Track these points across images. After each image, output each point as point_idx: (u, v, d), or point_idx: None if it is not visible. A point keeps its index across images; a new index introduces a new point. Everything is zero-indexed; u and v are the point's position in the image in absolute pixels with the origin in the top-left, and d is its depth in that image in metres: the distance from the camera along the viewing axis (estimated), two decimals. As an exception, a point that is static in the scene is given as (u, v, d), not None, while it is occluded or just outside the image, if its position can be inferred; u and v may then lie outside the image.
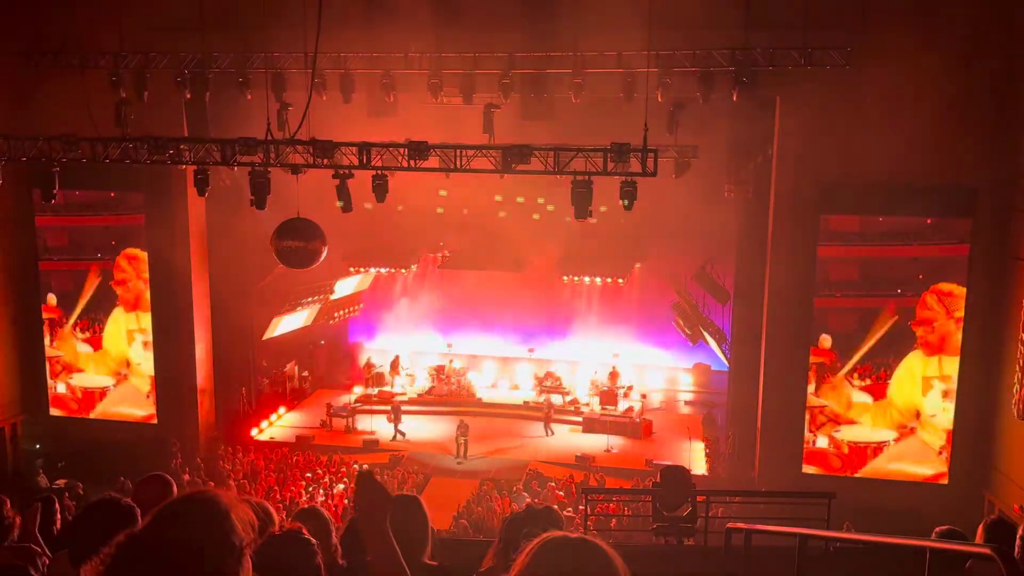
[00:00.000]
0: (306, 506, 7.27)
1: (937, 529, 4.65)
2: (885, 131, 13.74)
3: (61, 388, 17.90)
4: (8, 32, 15.68)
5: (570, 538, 1.79)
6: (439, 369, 22.83)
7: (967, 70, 13.16)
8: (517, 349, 23.18)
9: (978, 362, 14.13)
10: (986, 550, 3.47)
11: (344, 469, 17.13)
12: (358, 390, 21.97)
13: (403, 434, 19.64)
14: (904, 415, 14.76)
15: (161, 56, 15.01)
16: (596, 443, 19.31)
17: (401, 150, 13.10)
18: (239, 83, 15.07)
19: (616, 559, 1.75)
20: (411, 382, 22.82)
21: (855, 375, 14.93)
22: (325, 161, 12.89)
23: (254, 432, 19.24)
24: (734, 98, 13.97)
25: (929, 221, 14.15)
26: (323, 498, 15.36)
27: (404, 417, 20.13)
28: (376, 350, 24.11)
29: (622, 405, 20.82)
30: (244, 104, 15.12)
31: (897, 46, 13.34)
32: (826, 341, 14.92)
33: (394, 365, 23.04)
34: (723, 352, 19.51)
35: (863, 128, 13.92)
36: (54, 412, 17.93)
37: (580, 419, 20.38)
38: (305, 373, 22.47)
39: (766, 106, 14.93)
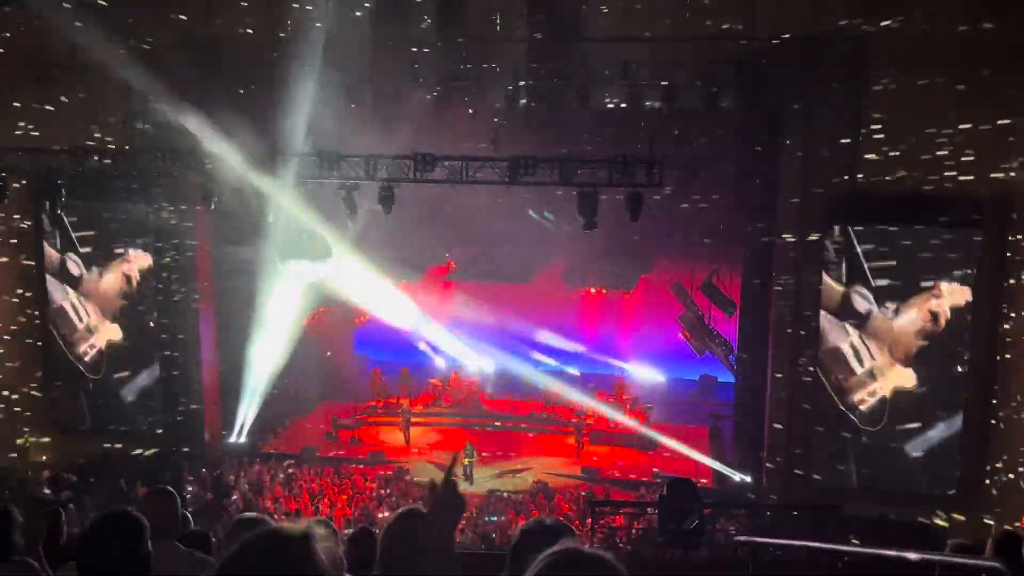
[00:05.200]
0: (312, 518, 7.25)
1: (950, 542, 4.64)
2: (893, 141, 13.73)
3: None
4: (15, 44, 15.77)
5: (581, 552, 1.77)
6: (446, 379, 22.86)
7: (975, 76, 13.15)
8: (521, 357, 23.10)
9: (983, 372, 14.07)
10: (995, 565, 3.45)
11: (348, 480, 17.12)
12: (364, 401, 21.95)
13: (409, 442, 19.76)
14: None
15: (168, 69, 15.08)
16: (603, 455, 19.30)
17: (407, 161, 13.19)
18: (247, 94, 15.14)
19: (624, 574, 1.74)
20: (418, 392, 22.81)
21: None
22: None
23: (259, 443, 19.23)
24: (740, 109, 14.00)
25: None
26: (329, 510, 15.32)
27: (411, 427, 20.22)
28: (383, 361, 24.11)
29: (628, 417, 20.77)
30: (252, 115, 15.15)
31: (904, 54, 13.38)
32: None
33: (402, 376, 23.06)
34: (730, 364, 19.44)
35: (870, 138, 13.91)
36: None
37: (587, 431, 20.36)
38: (311, 385, 22.42)
39: (773, 116, 14.93)
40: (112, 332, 17.27)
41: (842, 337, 14.44)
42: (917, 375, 14.19)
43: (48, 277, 17.08)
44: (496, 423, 21.06)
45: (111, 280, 17.03)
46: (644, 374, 23.13)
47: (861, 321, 14.34)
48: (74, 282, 17.11)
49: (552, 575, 1.72)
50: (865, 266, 14.20)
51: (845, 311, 14.38)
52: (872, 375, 14.40)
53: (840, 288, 14.35)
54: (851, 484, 14.60)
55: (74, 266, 16.99)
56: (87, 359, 17.40)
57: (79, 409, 17.66)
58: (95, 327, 17.28)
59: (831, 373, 14.57)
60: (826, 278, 14.43)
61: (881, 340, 14.29)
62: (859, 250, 14.18)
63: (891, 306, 14.15)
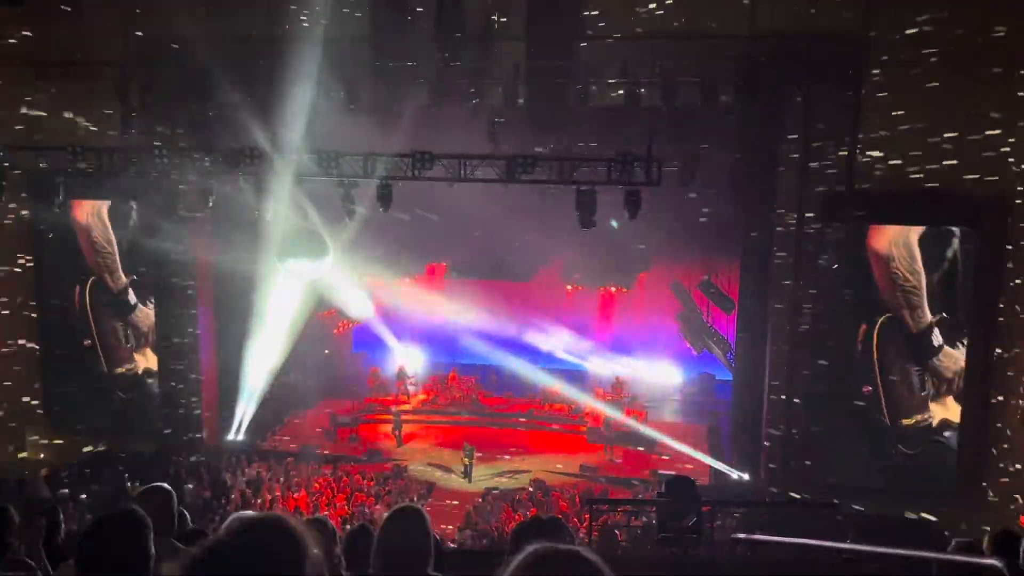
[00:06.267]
0: (310, 516, 7.24)
1: (955, 540, 4.64)
2: (890, 139, 13.73)
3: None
4: (14, 41, 15.74)
5: (555, 549, 1.68)
6: (443, 377, 22.85)
7: (974, 73, 13.15)
8: (519, 355, 23.09)
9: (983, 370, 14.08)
10: (994, 563, 3.45)
11: (347, 478, 17.10)
12: (362, 399, 21.93)
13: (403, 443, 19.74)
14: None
15: (166, 66, 15.06)
16: (601, 453, 19.30)
17: (405, 159, 13.18)
18: (246, 93, 15.10)
19: (607, 573, 1.67)
20: (415, 390, 22.82)
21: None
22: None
23: (258, 441, 19.22)
24: (739, 107, 13.99)
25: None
26: (327, 508, 15.31)
27: (407, 426, 20.18)
28: (380, 359, 24.10)
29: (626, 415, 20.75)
30: (250, 114, 15.14)
31: (903, 53, 13.38)
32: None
33: (399, 374, 23.05)
34: (728, 361, 19.44)
35: (868, 136, 13.92)
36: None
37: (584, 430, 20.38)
38: (310, 383, 22.43)
39: (771, 115, 14.93)
40: (151, 361, 17.71)
41: (911, 363, 14.31)
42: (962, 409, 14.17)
43: (109, 300, 17.55)
44: (493, 422, 21.05)
45: (151, 310, 17.55)
46: (642, 371, 23.09)
47: (935, 353, 14.18)
48: (129, 308, 17.54)
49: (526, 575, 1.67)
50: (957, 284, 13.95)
51: (921, 340, 14.18)
52: (927, 404, 14.34)
53: (929, 317, 14.08)
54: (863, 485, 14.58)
55: (132, 295, 17.44)
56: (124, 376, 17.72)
57: (86, 409, 17.70)
58: (137, 352, 17.68)
59: (893, 393, 14.44)
60: (921, 300, 14.14)
61: (943, 373, 14.21)
62: (959, 263, 13.86)
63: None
